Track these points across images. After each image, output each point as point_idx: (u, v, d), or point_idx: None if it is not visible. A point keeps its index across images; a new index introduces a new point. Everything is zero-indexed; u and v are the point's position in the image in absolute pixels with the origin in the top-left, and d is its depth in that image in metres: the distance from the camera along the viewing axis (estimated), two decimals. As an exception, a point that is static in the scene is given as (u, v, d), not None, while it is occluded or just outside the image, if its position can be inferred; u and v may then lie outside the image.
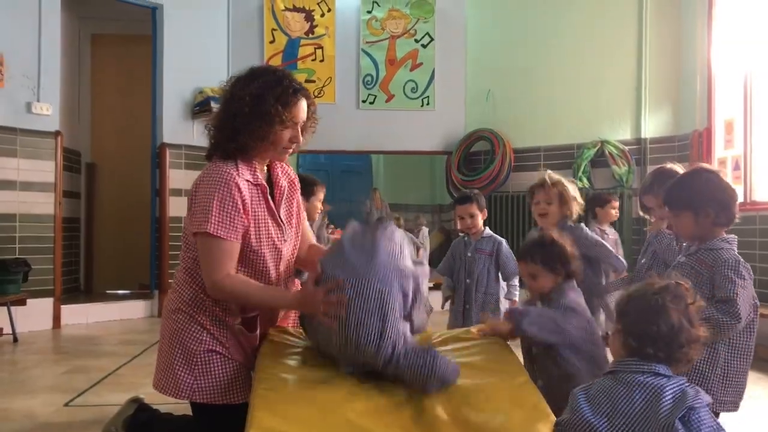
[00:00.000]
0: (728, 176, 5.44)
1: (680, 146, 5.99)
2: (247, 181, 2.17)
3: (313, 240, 2.58)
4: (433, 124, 7.28)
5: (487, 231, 3.59)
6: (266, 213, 2.22)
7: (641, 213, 3.07)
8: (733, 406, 2.14)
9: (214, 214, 2.08)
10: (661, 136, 6.21)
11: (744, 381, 2.15)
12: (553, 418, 1.87)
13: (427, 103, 7.27)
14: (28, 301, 5.26)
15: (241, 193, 2.12)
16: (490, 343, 2.32)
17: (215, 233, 2.08)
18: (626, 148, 6.28)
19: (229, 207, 2.10)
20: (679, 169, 2.86)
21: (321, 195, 3.87)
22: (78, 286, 6.98)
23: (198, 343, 2.17)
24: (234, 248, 2.13)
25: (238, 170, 2.15)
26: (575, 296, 2.29)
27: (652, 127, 6.28)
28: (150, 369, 3.61)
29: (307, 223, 2.54)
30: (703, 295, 1.98)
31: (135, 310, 6.44)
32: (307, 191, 3.51)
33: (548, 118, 6.78)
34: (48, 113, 5.66)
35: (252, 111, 2.14)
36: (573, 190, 3.13)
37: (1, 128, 5.39)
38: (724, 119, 5.64)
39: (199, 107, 6.62)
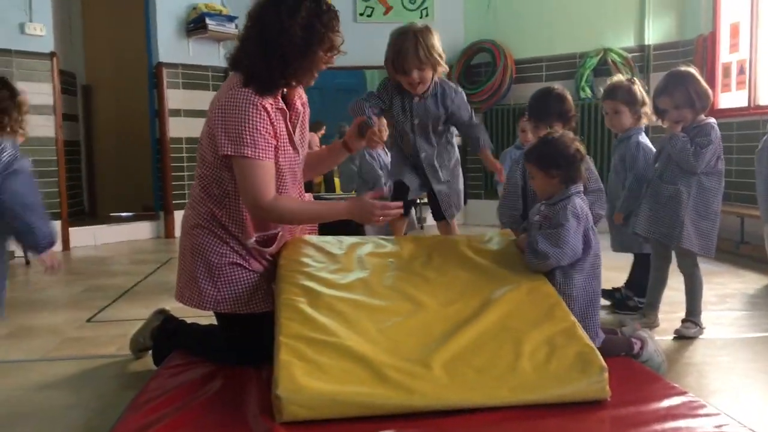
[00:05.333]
0: (733, 80, 5.45)
1: (684, 52, 5.92)
2: (270, 104, 2.17)
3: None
4: (432, 37, 7.12)
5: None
6: (286, 136, 2.24)
7: (654, 117, 3.06)
8: None
9: (249, 136, 2.08)
10: (664, 42, 6.13)
11: None
12: (571, 320, 1.97)
13: (426, 15, 7.12)
14: (37, 224, 5.29)
15: (269, 115, 2.14)
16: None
17: (254, 156, 2.09)
18: (629, 55, 6.20)
19: (263, 129, 2.11)
20: (694, 70, 2.85)
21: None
22: (82, 209, 7.01)
23: (219, 256, 2.22)
24: (272, 168, 2.16)
25: (262, 96, 2.15)
26: (580, 204, 2.25)
27: (656, 33, 6.18)
28: (165, 286, 3.69)
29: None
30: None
31: (141, 231, 6.50)
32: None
33: (550, 27, 6.65)
34: (42, 34, 5.54)
35: (305, 43, 2.11)
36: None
37: (-5, 50, 5.29)
38: (730, 23, 5.56)
39: (193, 24, 6.48)
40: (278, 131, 2.20)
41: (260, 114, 2.11)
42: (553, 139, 2.31)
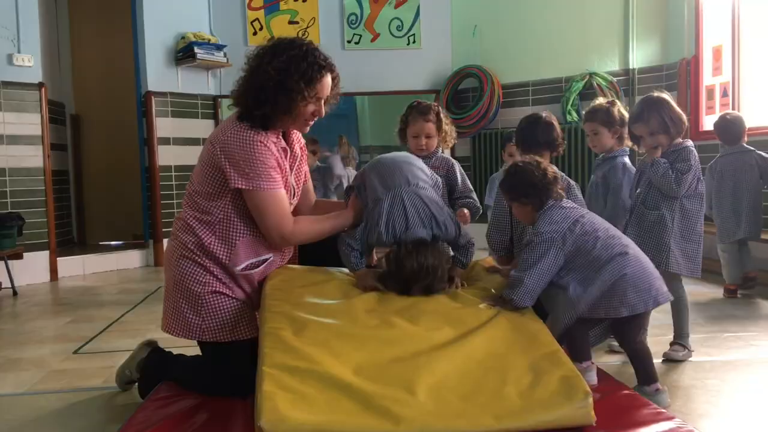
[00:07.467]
0: (716, 103, 5.51)
1: (668, 75, 6.00)
2: (273, 142, 2.26)
3: (314, 197, 2.66)
4: (419, 63, 7.19)
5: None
6: (284, 175, 2.31)
7: (630, 143, 3.09)
8: None
9: (261, 168, 2.17)
10: (649, 66, 6.20)
11: None
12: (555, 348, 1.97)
13: (413, 41, 7.18)
14: (24, 254, 5.28)
15: (271, 150, 2.23)
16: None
17: (268, 187, 2.18)
18: (614, 79, 6.27)
19: (270, 161, 2.20)
20: (668, 96, 2.88)
21: None
22: (71, 239, 6.98)
23: (202, 285, 2.24)
24: (285, 196, 2.26)
25: (265, 133, 2.24)
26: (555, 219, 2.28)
27: (640, 57, 6.26)
28: (153, 315, 3.67)
29: (310, 183, 2.62)
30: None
31: (131, 260, 6.47)
32: None
33: (536, 52, 6.73)
34: (30, 64, 5.56)
35: (276, 85, 2.19)
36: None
37: (-17, 81, 5.31)
38: (712, 46, 5.64)
39: (182, 53, 6.52)
40: (282, 166, 2.28)
41: (265, 147, 2.20)
42: (518, 170, 2.37)
